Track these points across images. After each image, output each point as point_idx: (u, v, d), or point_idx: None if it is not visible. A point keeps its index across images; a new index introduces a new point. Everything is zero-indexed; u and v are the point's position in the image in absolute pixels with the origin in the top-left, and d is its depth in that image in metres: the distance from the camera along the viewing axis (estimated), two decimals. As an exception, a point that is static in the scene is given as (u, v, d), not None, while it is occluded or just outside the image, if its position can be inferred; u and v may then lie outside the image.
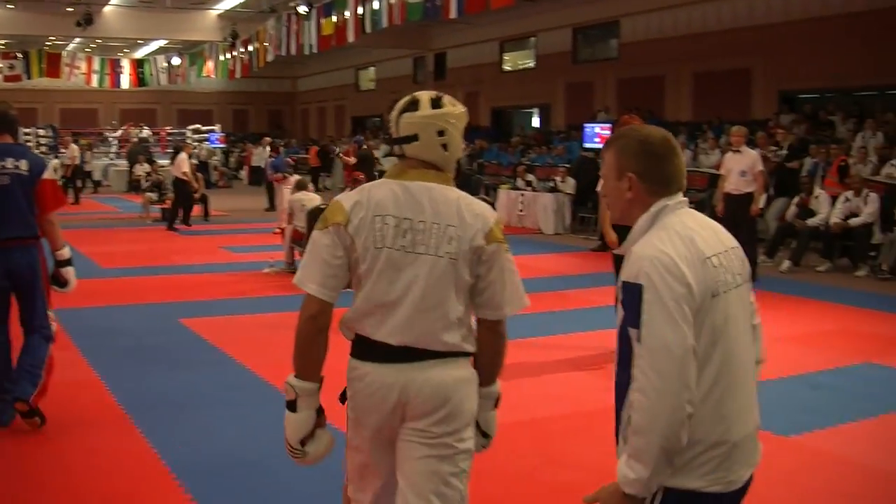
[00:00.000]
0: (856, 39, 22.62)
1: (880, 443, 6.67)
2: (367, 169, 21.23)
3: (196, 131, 41.77)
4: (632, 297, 2.84)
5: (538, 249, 17.54)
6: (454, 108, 3.57)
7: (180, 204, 21.61)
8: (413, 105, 3.53)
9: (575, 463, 6.08)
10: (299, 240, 14.03)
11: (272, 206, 21.73)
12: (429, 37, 38.68)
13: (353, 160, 22.48)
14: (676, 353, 2.76)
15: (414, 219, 3.40)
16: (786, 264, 15.43)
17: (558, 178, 22.12)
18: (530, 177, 23.41)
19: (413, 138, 3.50)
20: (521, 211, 22.68)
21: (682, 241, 2.89)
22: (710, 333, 2.86)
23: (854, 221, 15.29)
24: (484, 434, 3.77)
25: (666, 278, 2.80)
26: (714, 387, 2.87)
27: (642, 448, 2.81)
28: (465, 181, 26.19)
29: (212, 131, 41.77)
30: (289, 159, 25.13)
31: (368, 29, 26.30)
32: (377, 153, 27.09)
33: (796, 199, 16.49)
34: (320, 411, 3.63)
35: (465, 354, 3.49)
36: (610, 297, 9.37)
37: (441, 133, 3.50)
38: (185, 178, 21.42)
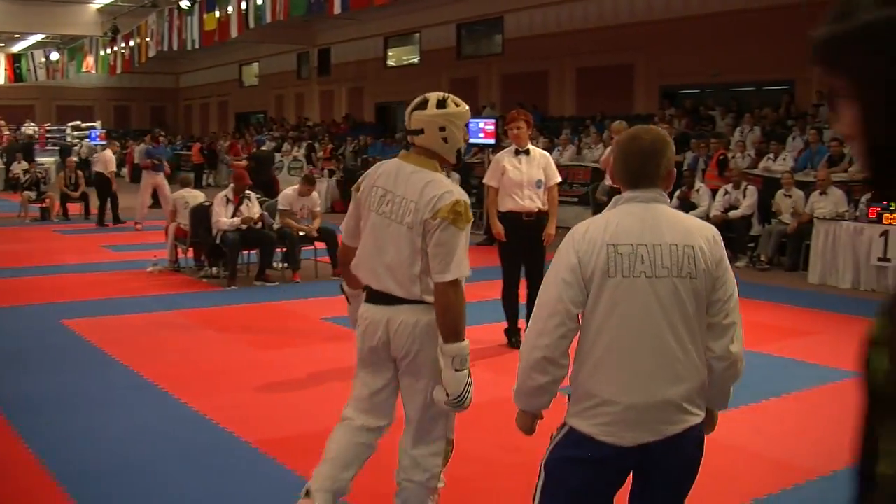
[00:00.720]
0: (735, 36, 23.12)
1: (760, 428, 6.83)
2: (265, 169, 21.04)
3: (76, 128, 40.91)
4: None
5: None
6: (456, 108, 4.41)
7: (104, 200, 21.31)
8: (423, 104, 4.38)
9: (465, 456, 6.10)
10: (183, 237, 13.87)
11: (156, 203, 21.43)
12: (313, 32, 38.46)
13: (243, 163, 22.29)
14: (547, 307, 3.36)
15: (394, 192, 4.31)
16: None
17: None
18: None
19: (420, 131, 4.36)
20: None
21: (599, 225, 3.39)
22: (607, 307, 3.32)
23: (733, 213, 15.63)
24: (452, 395, 4.31)
25: (564, 249, 3.39)
26: (607, 353, 3.34)
27: (518, 373, 3.51)
28: (350, 177, 26.15)
29: (92, 128, 40.88)
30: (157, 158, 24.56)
31: (252, 24, 26.03)
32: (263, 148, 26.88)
33: (678, 193, 16.78)
34: None
35: (426, 303, 4.32)
36: (495, 291, 9.45)
37: (442, 129, 4.34)
38: (110, 176, 21.19)
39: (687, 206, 16.17)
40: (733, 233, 15.69)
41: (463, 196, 4.32)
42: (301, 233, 13.31)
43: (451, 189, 4.28)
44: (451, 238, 4.22)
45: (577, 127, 25.24)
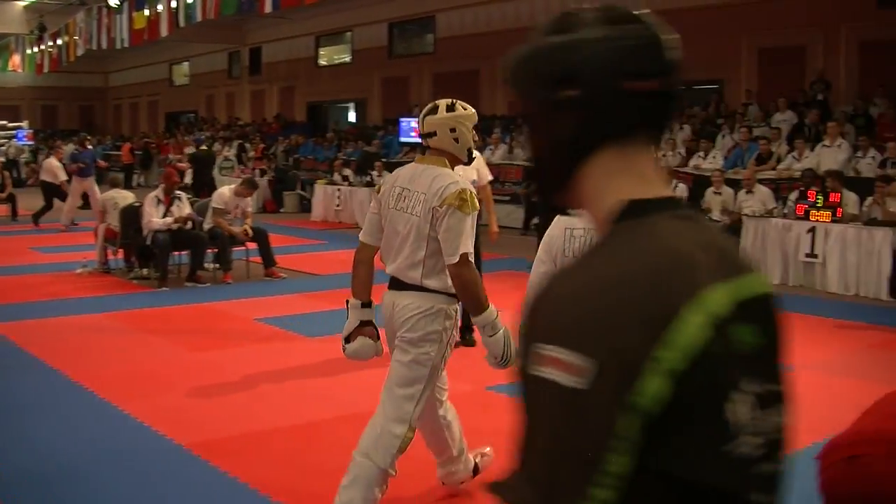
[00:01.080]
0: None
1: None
2: (205, 168, 20.87)
3: (2, 128, 40.25)
4: None
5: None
6: (464, 112, 4.91)
7: (49, 203, 21.11)
8: (433, 110, 4.89)
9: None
10: (113, 238, 13.72)
11: (86, 204, 21.12)
12: (244, 31, 38.21)
13: (185, 165, 22.05)
14: (531, 278, 4.43)
15: (410, 189, 4.77)
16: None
17: (375, 173, 22.09)
18: (347, 171, 23.31)
19: (433, 134, 4.85)
20: (338, 206, 22.57)
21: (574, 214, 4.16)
22: None
23: (663, 211, 15.76)
24: (495, 357, 4.92)
25: (549, 230, 4.52)
26: None
27: None
28: (282, 177, 26.05)
29: (19, 128, 40.27)
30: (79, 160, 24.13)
31: (182, 23, 25.86)
32: (189, 150, 26.62)
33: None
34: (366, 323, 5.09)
35: (425, 289, 4.81)
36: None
37: (453, 130, 4.83)
38: (57, 182, 20.99)
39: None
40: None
41: (468, 186, 4.77)
42: (240, 236, 13.24)
43: (456, 180, 4.73)
44: (458, 223, 4.64)
45: (508, 126, 25.30)
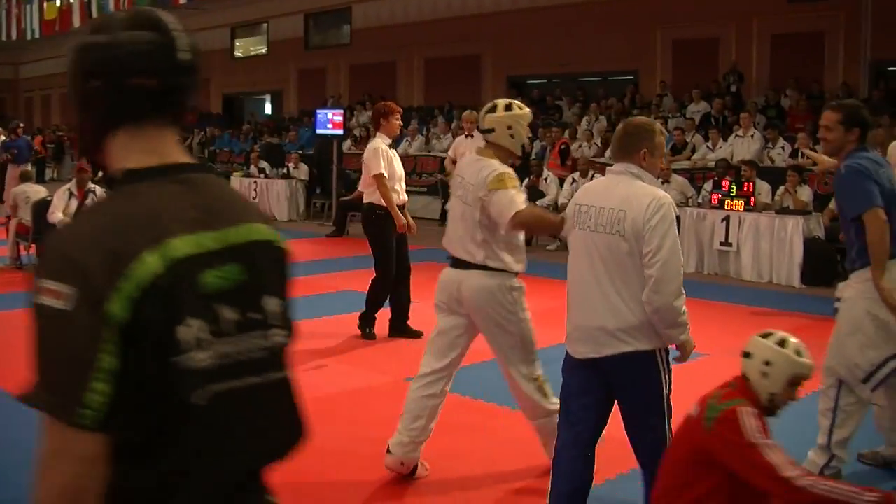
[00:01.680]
0: (581, 27, 23.56)
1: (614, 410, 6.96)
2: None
3: None
4: None
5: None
6: (520, 111, 5.56)
7: None
8: (493, 109, 5.52)
9: (317, 448, 6.08)
10: (24, 234, 13.48)
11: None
12: (157, 22, 37.71)
13: None
14: None
15: (465, 178, 5.52)
16: (517, 245, 15.88)
17: (291, 165, 21.95)
18: (263, 163, 23.10)
19: (492, 130, 5.50)
20: (254, 198, 22.34)
21: (581, 188, 4.95)
22: (572, 250, 4.68)
23: (580, 201, 15.87)
24: None
25: (568, 206, 4.84)
26: (569, 286, 4.74)
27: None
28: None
29: (-75, 121, 39.47)
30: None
31: (95, 13, 25.52)
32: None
33: (525, 181, 16.99)
34: None
35: (487, 268, 5.41)
36: (346, 282, 9.42)
37: (509, 127, 5.47)
38: None
39: (535, 194, 16.40)
40: (581, 220, 15.95)
41: (508, 170, 5.38)
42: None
43: (497, 167, 5.35)
44: (502, 197, 5.23)
45: (425, 117, 25.34)
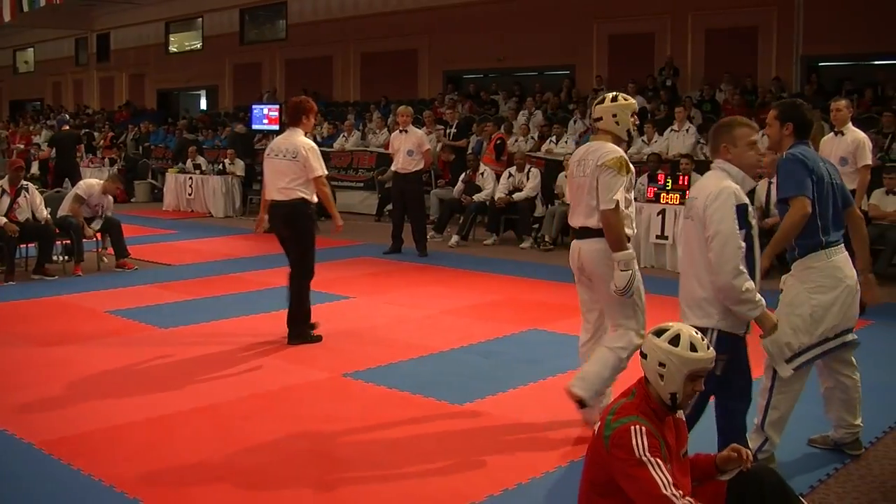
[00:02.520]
0: (518, 22, 23.64)
1: (547, 404, 6.98)
2: (68, 152, 20.27)
3: None
4: None
5: (209, 233, 17.26)
6: (625, 102, 6.34)
7: None
8: (602, 101, 6.36)
9: (254, 445, 6.05)
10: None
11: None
12: (91, 17, 37.30)
13: (46, 152, 21.37)
14: None
15: (584, 160, 6.28)
16: (454, 239, 15.90)
17: (227, 161, 21.74)
18: (200, 159, 22.85)
19: (600, 119, 6.33)
20: (189, 195, 22.17)
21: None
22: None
23: (518, 196, 15.93)
24: (617, 287, 6.10)
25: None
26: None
27: None
28: (132, 166, 25.52)
29: None
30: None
31: (26, 8, 25.06)
32: (38, 140, 25.92)
33: (462, 176, 17.01)
34: None
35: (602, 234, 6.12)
36: (283, 279, 9.32)
37: (614, 115, 6.29)
38: None
39: (472, 188, 16.42)
40: (517, 215, 16.02)
41: (625, 156, 6.17)
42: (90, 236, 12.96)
43: (615, 150, 6.15)
44: (612, 180, 6.01)
45: (361, 112, 25.30)
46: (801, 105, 5.91)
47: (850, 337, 5.69)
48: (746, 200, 4.98)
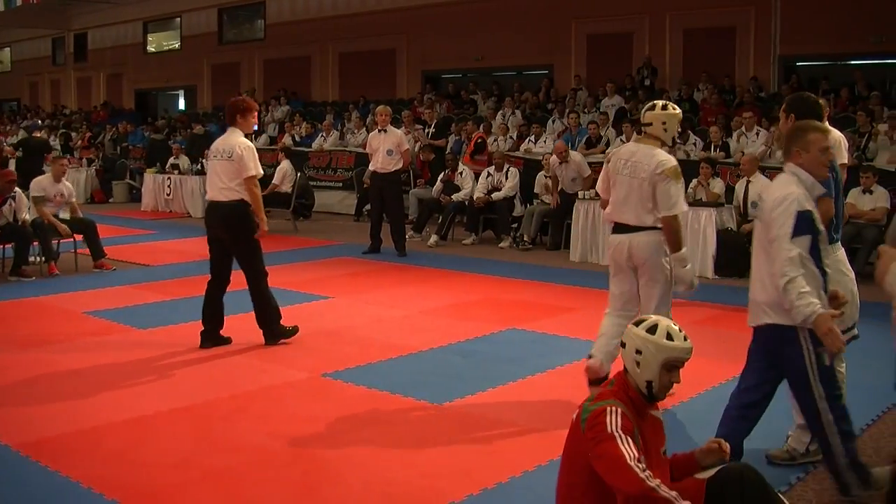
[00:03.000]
0: (496, 22, 23.68)
1: (526, 403, 7.00)
2: (34, 157, 20.14)
3: None
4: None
5: (187, 233, 17.17)
6: (673, 111, 6.98)
7: None
8: (652, 108, 6.98)
9: (233, 446, 6.04)
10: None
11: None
12: (68, 16, 37.11)
13: (9, 151, 21.25)
14: None
15: (632, 160, 6.88)
16: (433, 239, 15.90)
17: (204, 161, 21.56)
18: (179, 160, 22.71)
19: (650, 124, 6.92)
20: (168, 195, 22.08)
21: None
22: None
23: (496, 195, 15.95)
24: (686, 283, 6.90)
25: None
26: None
27: None
28: (110, 166, 25.41)
29: None
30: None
31: (2, 7, 24.99)
32: (12, 140, 25.75)
33: (441, 176, 17.01)
34: None
35: (654, 228, 6.80)
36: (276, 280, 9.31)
37: (664, 123, 6.89)
38: None
39: (451, 188, 16.43)
40: (496, 214, 16.04)
41: (676, 163, 6.79)
42: (62, 233, 12.89)
43: (670, 159, 6.78)
44: (672, 188, 6.66)
45: (339, 112, 25.27)
46: (806, 98, 5.97)
47: (856, 331, 5.82)
48: (811, 207, 4.96)
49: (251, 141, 9.04)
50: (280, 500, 5.21)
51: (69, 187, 13.64)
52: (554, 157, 15.46)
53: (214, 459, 5.80)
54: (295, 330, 8.97)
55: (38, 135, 22.59)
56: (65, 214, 13.27)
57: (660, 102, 7.06)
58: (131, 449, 5.98)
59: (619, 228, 7.00)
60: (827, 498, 5.21)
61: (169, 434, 6.29)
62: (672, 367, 4.05)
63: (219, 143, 8.94)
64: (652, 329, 4.06)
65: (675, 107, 7.06)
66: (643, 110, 7.10)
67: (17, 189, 12.83)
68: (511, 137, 19.38)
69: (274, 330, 8.90)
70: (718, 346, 8.36)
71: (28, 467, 5.65)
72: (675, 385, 4.12)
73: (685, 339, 4.08)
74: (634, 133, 7.93)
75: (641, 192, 6.78)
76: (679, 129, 7.24)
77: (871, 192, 12.69)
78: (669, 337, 4.03)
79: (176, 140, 25.36)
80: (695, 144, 16.59)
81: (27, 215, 12.79)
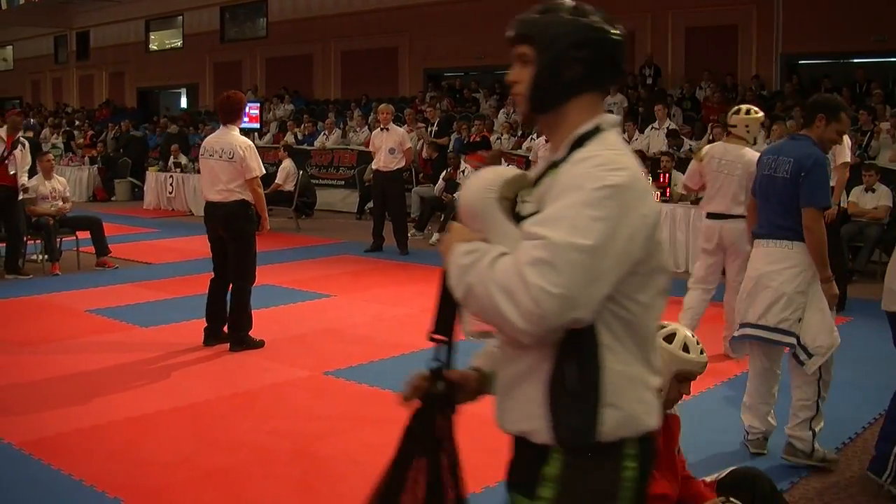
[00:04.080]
0: (498, 20, 23.51)
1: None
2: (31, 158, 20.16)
3: None
4: None
5: (190, 231, 17.15)
6: (755, 115, 8.14)
7: None
8: (738, 112, 8.15)
9: (235, 444, 6.05)
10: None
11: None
12: (70, 14, 37.10)
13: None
14: None
15: (721, 159, 8.09)
16: (435, 237, 15.90)
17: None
18: (181, 158, 22.67)
19: (735, 126, 8.08)
20: (170, 193, 22.06)
21: None
22: None
23: (498, 194, 15.92)
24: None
25: None
26: None
27: None
28: (112, 164, 25.41)
29: None
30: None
31: (4, 5, 25.00)
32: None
33: (444, 174, 17.01)
34: None
35: (742, 217, 7.60)
36: (264, 277, 9.33)
37: (747, 126, 8.06)
38: None
39: (453, 186, 16.42)
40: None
41: None
42: (55, 214, 12.88)
43: (756, 154, 7.06)
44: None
45: (341, 110, 25.26)
46: (829, 97, 6.26)
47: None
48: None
49: (251, 140, 8.99)
50: (282, 498, 5.21)
51: (63, 181, 13.63)
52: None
53: (216, 458, 5.81)
54: (261, 343, 8.70)
55: (31, 134, 22.53)
56: (66, 204, 13.25)
57: (744, 107, 8.31)
58: (133, 447, 5.99)
59: (712, 216, 8.30)
60: (829, 496, 5.21)
61: (171, 432, 6.30)
62: (684, 378, 3.94)
63: (214, 142, 8.73)
64: (669, 338, 3.93)
65: (758, 111, 8.25)
66: (729, 113, 8.30)
67: (24, 139, 12.83)
68: (513, 136, 19.38)
69: (242, 337, 8.67)
70: (721, 345, 8.35)
71: (30, 465, 5.66)
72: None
73: (702, 352, 3.96)
74: (724, 134, 8.85)
75: (731, 186, 8.06)
76: (759, 131, 8.40)
77: (873, 191, 12.68)
78: (686, 349, 3.92)
79: (151, 138, 25.38)
80: (696, 142, 16.58)
81: (26, 178, 12.65)
